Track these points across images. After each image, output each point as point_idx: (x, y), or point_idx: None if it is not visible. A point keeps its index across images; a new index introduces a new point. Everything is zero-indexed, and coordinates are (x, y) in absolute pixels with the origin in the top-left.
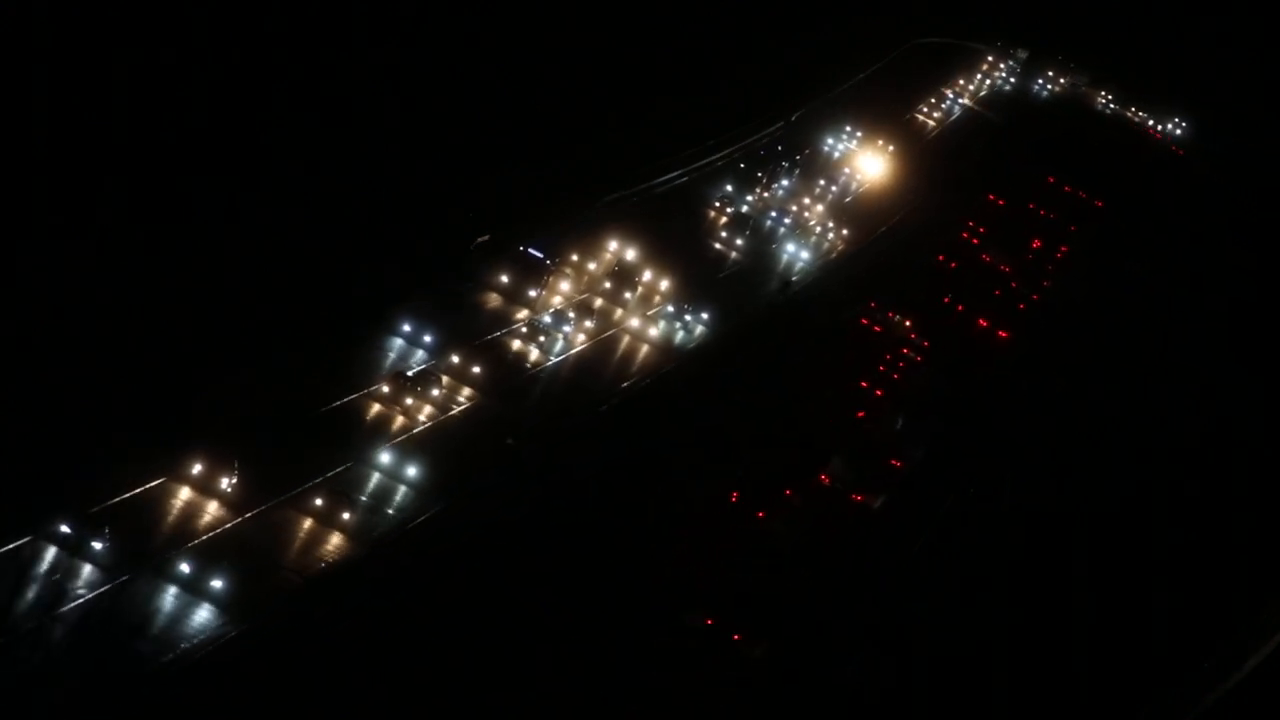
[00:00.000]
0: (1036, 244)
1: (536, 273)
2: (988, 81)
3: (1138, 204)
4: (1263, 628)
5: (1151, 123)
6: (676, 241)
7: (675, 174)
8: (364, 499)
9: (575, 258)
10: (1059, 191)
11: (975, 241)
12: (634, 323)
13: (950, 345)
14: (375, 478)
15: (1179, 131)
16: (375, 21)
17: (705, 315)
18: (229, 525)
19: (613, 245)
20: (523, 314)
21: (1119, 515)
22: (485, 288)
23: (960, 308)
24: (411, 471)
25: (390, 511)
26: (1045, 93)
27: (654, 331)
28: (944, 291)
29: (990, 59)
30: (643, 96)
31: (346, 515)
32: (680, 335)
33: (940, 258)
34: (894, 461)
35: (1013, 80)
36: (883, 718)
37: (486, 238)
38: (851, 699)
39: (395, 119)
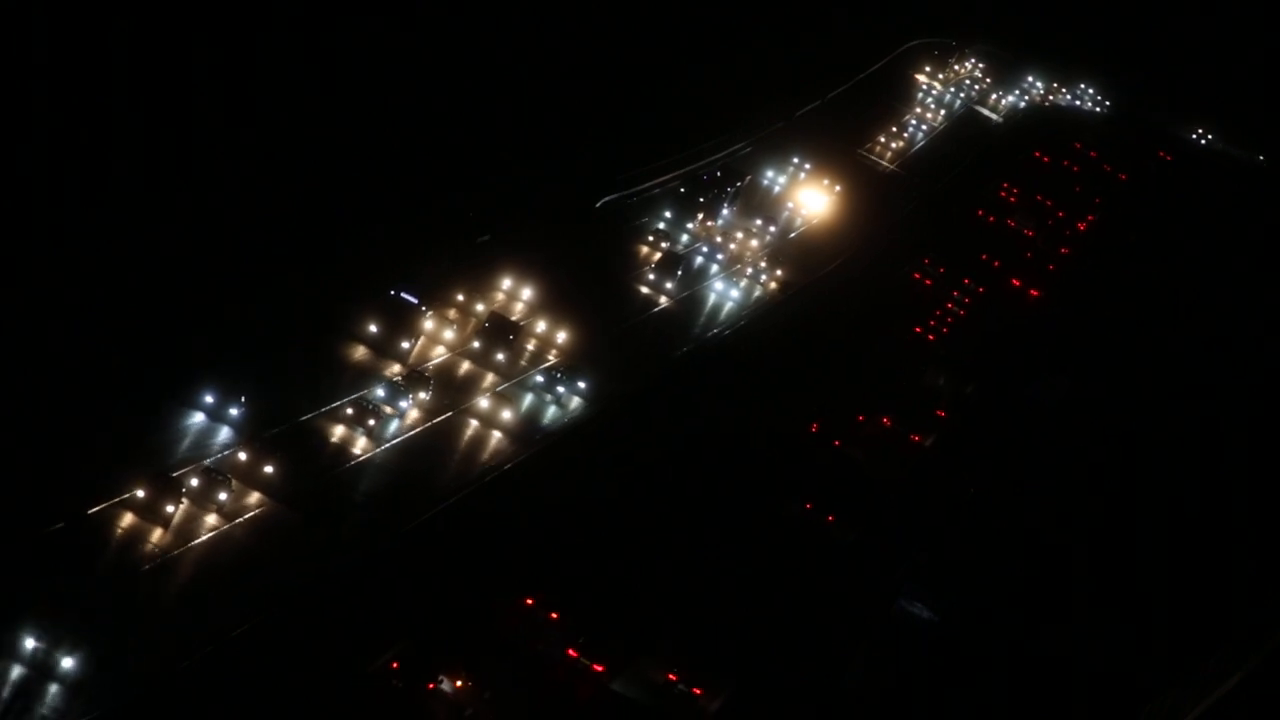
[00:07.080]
0: (1061, 213)
1: (407, 321)
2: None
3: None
4: (1262, 628)
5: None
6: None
7: (618, 194)
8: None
9: (461, 297)
10: (1086, 157)
11: (1012, 200)
12: (483, 403)
13: (990, 300)
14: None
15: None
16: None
17: (583, 384)
18: None
19: (506, 284)
20: (392, 369)
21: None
22: (349, 338)
23: (996, 264)
24: (69, 665)
25: None
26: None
27: (506, 414)
28: (982, 249)
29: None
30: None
31: None
32: (551, 411)
33: (980, 212)
34: (939, 412)
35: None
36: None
37: (488, 237)
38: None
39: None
